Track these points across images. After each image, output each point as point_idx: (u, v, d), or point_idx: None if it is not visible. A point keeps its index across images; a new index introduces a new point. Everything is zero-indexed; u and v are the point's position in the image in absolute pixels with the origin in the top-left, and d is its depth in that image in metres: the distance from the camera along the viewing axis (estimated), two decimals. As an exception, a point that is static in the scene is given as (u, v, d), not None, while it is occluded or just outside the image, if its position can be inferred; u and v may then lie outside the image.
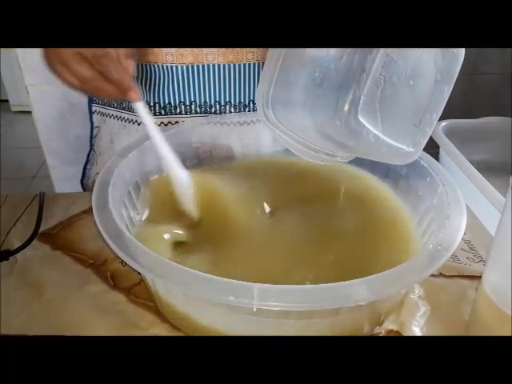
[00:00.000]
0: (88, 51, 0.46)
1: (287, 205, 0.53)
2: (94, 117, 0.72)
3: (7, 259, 0.52)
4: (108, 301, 0.47)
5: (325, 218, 0.52)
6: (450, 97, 0.43)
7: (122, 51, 0.47)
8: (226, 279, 0.35)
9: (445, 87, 0.42)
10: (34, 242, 0.55)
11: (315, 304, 0.35)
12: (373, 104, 0.39)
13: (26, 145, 2.17)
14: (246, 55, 0.61)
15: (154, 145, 0.49)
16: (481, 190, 0.88)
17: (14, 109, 2.55)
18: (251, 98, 0.65)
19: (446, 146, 1.06)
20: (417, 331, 0.45)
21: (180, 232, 0.48)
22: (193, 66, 0.61)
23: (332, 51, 0.40)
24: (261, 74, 0.47)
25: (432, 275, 0.49)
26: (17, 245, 0.54)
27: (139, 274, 0.48)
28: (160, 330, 0.44)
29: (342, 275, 0.39)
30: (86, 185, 0.77)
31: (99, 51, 0.46)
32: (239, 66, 0.62)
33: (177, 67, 0.61)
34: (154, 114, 0.64)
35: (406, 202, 0.54)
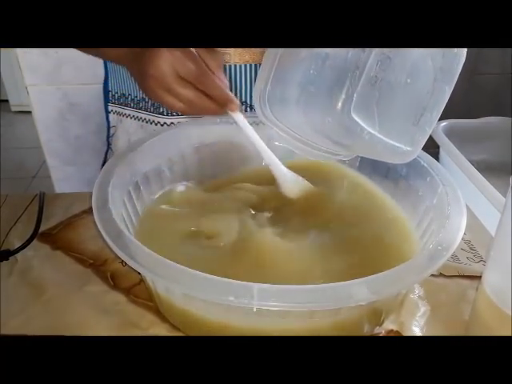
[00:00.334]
0: (189, 73, 0.46)
1: (286, 208, 0.53)
2: (111, 116, 0.72)
3: (7, 259, 0.52)
4: (108, 301, 0.47)
5: (325, 219, 0.52)
6: (450, 97, 0.43)
7: (214, 64, 0.48)
8: (225, 279, 0.35)
9: (445, 86, 0.42)
10: (34, 242, 0.55)
11: (315, 304, 0.35)
12: (368, 102, 0.39)
13: (25, 145, 2.17)
14: (262, 55, 0.61)
15: (263, 156, 0.51)
16: (481, 190, 0.88)
17: (13, 109, 2.55)
18: None
19: (446, 145, 1.06)
20: (417, 331, 0.45)
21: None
22: (245, 66, 0.60)
23: (327, 49, 0.40)
24: (258, 71, 0.46)
25: (432, 275, 0.49)
26: (17, 245, 0.54)
27: (139, 274, 0.48)
28: (160, 330, 0.44)
29: (341, 275, 0.39)
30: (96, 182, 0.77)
31: (198, 70, 0.46)
32: (255, 66, 0.62)
33: (230, 66, 0.61)
34: (171, 114, 0.64)
35: (405, 201, 0.54)
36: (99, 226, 0.40)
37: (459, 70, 0.41)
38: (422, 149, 0.48)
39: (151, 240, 0.44)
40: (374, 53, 0.38)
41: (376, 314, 0.43)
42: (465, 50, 0.41)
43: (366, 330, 0.44)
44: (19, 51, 1.09)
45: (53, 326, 0.44)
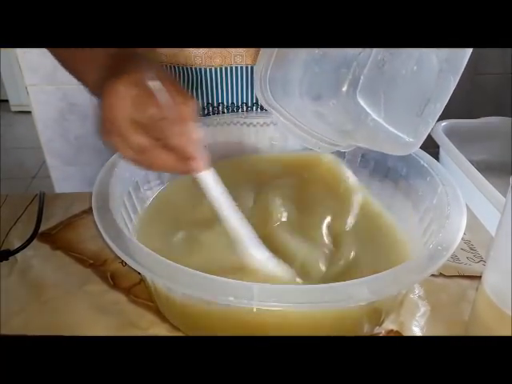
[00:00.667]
0: (144, 116, 0.38)
1: (286, 206, 0.53)
2: None
3: (7, 259, 0.52)
4: (108, 301, 0.47)
5: (324, 220, 0.51)
6: (450, 97, 0.43)
7: (187, 114, 0.40)
8: (225, 279, 0.35)
9: (451, 76, 0.40)
10: (34, 242, 0.55)
11: (315, 304, 0.35)
12: (374, 87, 0.37)
13: (25, 145, 2.17)
14: None
15: (225, 222, 0.43)
16: (481, 190, 0.88)
17: (13, 109, 2.55)
18: None
19: (446, 145, 1.06)
20: (417, 331, 0.45)
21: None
22: (221, 68, 0.61)
23: None
24: (258, 56, 0.45)
25: (432, 275, 0.49)
26: (17, 245, 0.54)
27: (139, 273, 0.48)
28: (160, 330, 0.44)
29: (342, 276, 0.39)
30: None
31: (157, 114, 0.38)
32: None
33: (205, 69, 0.61)
34: None
35: (405, 201, 0.54)
36: (99, 226, 0.40)
37: (465, 62, 0.40)
38: (422, 148, 0.48)
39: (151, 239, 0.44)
40: None
41: (376, 314, 0.43)
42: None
43: (365, 330, 0.44)
44: (19, 51, 1.09)
45: (52, 326, 0.44)
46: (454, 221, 0.43)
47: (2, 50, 2.14)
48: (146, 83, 0.38)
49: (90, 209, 0.43)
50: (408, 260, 0.46)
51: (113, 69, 0.41)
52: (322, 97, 0.39)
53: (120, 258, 0.38)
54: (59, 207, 0.62)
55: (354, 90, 0.37)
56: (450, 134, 1.11)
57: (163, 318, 0.45)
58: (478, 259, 0.54)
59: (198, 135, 0.40)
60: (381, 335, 0.44)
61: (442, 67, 0.39)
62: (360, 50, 0.36)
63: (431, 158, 0.52)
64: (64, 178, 1.29)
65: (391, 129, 0.40)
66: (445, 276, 0.51)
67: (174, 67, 0.62)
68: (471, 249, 0.56)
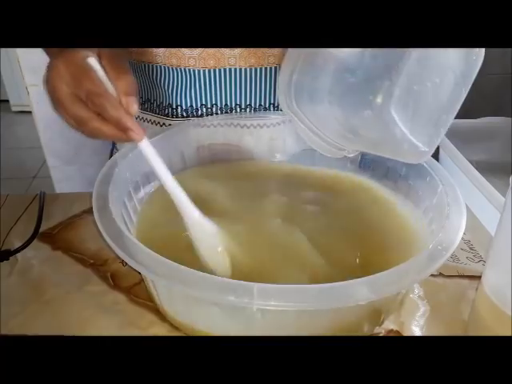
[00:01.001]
0: (82, 92, 0.43)
1: (290, 207, 0.53)
2: None
3: (7, 259, 0.52)
4: (108, 301, 0.47)
5: (325, 220, 0.52)
6: None
7: (123, 89, 0.44)
8: (225, 279, 0.35)
9: (463, 89, 0.41)
10: (35, 242, 0.55)
11: (315, 304, 0.35)
12: (404, 99, 0.38)
13: (25, 145, 2.17)
14: (268, 59, 0.61)
15: (164, 185, 0.46)
16: (481, 190, 0.88)
17: (14, 109, 2.55)
18: (272, 102, 0.65)
19: (446, 145, 1.06)
20: (417, 331, 0.45)
21: None
22: (215, 70, 0.61)
23: None
24: (282, 62, 0.45)
25: (432, 275, 0.49)
26: (17, 245, 0.54)
27: (139, 273, 0.48)
28: (160, 330, 0.44)
29: (342, 275, 0.39)
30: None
31: (94, 90, 0.42)
32: (260, 69, 0.62)
33: (199, 71, 0.61)
34: (176, 117, 0.64)
35: (405, 201, 0.54)
36: (99, 226, 0.40)
37: (475, 74, 0.40)
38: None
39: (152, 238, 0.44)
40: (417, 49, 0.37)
41: (376, 314, 0.43)
42: (483, 54, 0.40)
43: (366, 330, 0.44)
44: (19, 51, 1.09)
45: (53, 326, 0.44)
46: (454, 221, 0.43)
47: (2, 50, 2.14)
48: (84, 61, 0.43)
49: (90, 209, 0.43)
50: (408, 260, 0.46)
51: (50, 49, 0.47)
52: (356, 107, 0.39)
53: (120, 258, 0.38)
54: (59, 207, 0.62)
55: (387, 102, 0.37)
56: (449, 134, 1.11)
57: (163, 318, 0.45)
58: (478, 259, 0.54)
59: (133, 108, 0.44)
60: (381, 335, 0.44)
61: (457, 80, 0.40)
62: (397, 61, 0.37)
63: (431, 158, 0.52)
64: (64, 178, 1.29)
65: (413, 139, 0.41)
66: (445, 276, 0.51)
67: (168, 68, 0.62)
68: (471, 249, 0.56)
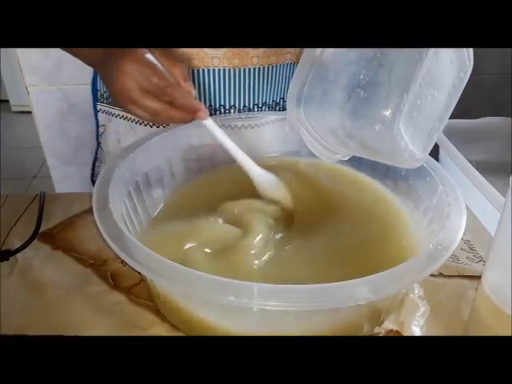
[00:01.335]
0: (153, 86, 0.47)
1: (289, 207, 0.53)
2: (100, 115, 0.72)
3: (7, 259, 0.52)
4: (108, 301, 0.47)
5: (324, 220, 0.52)
6: None
7: (180, 75, 0.49)
8: (225, 279, 0.35)
9: (454, 99, 0.43)
10: (35, 242, 0.55)
11: (315, 304, 0.35)
12: (409, 112, 0.40)
13: (25, 145, 2.17)
14: (251, 60, 0.61)
15: (236, 158, 0.52)
16: (481, 190, 0.88)
17: (14, 109, 2.55)
18: (256, 102, 0.65)
19: (446, 145, 1.06)
20: (417, 331, 0.45)
21: None
22: (198, 70, 0.61)
23: (379, 54, 0.40)
24: (294, 72, 0.46)
25: (432, 275, 0.49)
26: (17, 245, 0.54)
27: (139, 273, 0.48)
28: (160, 330, 0.44)
29: (342, 275, 0.39)
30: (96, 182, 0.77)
31: (162, 83, 0.47)
32: (244, 70, 0.62)
33: (219, 70, 0.61)
34: None
35: (405, 201, 0.54)
36: (99, 226, 0.40)
37: (463, 87, 0.43)
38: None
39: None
40: (428, 64, 0.39)
41: (376, 314, 0.43)
42: (471, 66, 0.42)
43: (365, 330, 0.44)
44: (19, 51, 1.09)
45: (53, 326, 0.44)
46: (454, 221, 0.43)
47: (2, 50, 2.14)
48: (143, 57, 0.47)
49: (90, 209, 0.43)
50: (408, 260, 0.46)
51: (110, 50, 0.49)
52: (367, 120, 0.41)
53: (120, 258, 0.38)
54: (59, 207, 0.62)
55: (397, 117, 0.39)
56: (449, 134, 1.11)
57: (163, 318, 0.45)
58: (478, 259, 0.54)
59: (193, 91, 0.51)
60: (381, 335, 0.44)
61: (449, 91, 0.43)
62: (405, 79, 0.39)
63: (431, 157, 0.52)
64: (64, 178, 1.29)
65: (413, 149, 0.43)
66: (445, 276, 0.51)
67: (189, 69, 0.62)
68: (471, 249, 0.56)
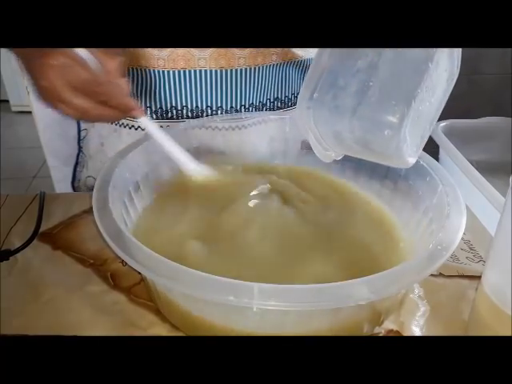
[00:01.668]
0: (82, 82, 0.44)
1: (287, 208, 0.53)
2: None
3: (7, 259, 0.52)
4: (108, 301, 0.47)
5: (323, 220, 0.52)
6: (449, 97, 0.45)
7: (115, 71, 0.45)
8: (225, 279, 0.35)
9: (443, 103, 0.45)
10: (35, 241, 0.55)
11: (315, 304, 0.35)
12: (413, 117, 0.41)
13: (25, 145, 2.17)
14: (238, 61, 0.61)
15: (167, 153, 0.51)
16: (481, 190, 0.88)
17: (14, 109, 2.56)
18: (242, 103, 0.65)
19: (446, 145, 1.07)
20: (417, 331, 0.45)
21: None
22: (184, 71, 0.60)
23: (388, 61, 0.41)
24: (304, 80, 0.47)
25: (432, 275, 0.49)
26: (17, 245, 0.54)
27: (139, 273, 0.48)
28: (160, 330, 0.44)
29: (342, 276, 0.39)
30: (77, 187, 0.77)
31: (92, 79, 0.44)
32: (231, 71, 0.62)
33: (168, 72, 0.61)
34: None
35: (405, 202, 0.54)
36: (99, 226, 0.40)
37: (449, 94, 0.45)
38: (422, 149, 0.49)
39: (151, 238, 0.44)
40: (429, 74, 0.40)
41: (376, 314, 0.43)
42: (456, 77, 0.44)
43: (365, 330, 0.44)
44: (19, 51, 1.09)
45: (53, 326, 0.44)
46: (454, 221, 0.43)
47: (2, 50, 2.14)
48: (73, 51, 0.43)
49: (90, 209, 0.43)
50: (408, 260, 0.46)
51: None
52: (376, 126, 0.42)
53: (120, 258, 0.38)
54: (59, 207, 0.62)
55: (405, 123, 0.40)
56: (449, 134, 1.11)
57: (163, 318, 0.45)
58: (478, 259, 0.54)
59: (128, 88, 0.47)
60: (381, 335, 0.44)
61: (441, 97, 0.44)
62: (413, 86, 0.40)
63: (431, 158, 0.52)
64: (64, 178, 1.29)
65: (410, 151, 0.44)
66: (445, 276, 0.51)
67: (136, 69, 0.61)
68: (471, 249, 0.56)
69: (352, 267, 0.45)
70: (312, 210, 0.52)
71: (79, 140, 0.73)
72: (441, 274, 0.52)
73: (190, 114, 0.64)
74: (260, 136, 0.62)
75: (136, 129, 0.65)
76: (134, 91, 0.63)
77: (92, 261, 0.53)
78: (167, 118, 0.64)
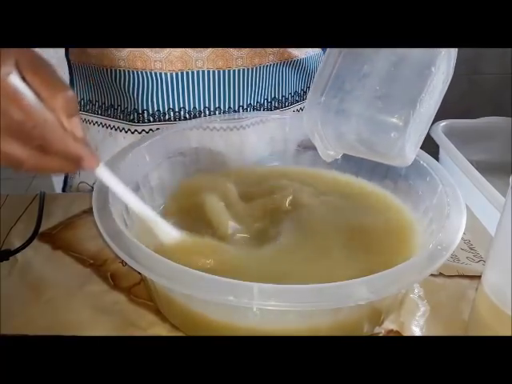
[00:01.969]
0: (16, 127, 0.33)
1: (286, 208, 0.53)
2: None
3: (7, 259, 0.52)
4: (108, 301, 0.47)
5: (324, 220, 0.52)
6: (449, 97, 0.47)
7: (61, 109, 0.35)
8: (225, 279, 0.35)
9: (439, 103, 0.46)
10: (34, 241, 0.55)
11: (315, 304, 0.35)
12: (416, 119, 0.42)
13: (26, 145, 2.17)
14: (235, 61, 0.61)
15: (132, 208, 0.44)
16: (481, 190, 0.88)
17: (14, 109, 2.55)
18: (240, 104, 0.65)
19: (446, 145, 1.07)
20: (417, 331, 0.45)
21: None
22: (182, 73, 0.60)
23: (392, 65, 0.42)
24: (312, 83, 0.47)
25: (432, 275, 0.49)
26: (17, 245, 0.54)
27: (139, 273, 0.48)
28: (160, 330, 0.44)
29: (342, 275, 0.39)
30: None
31: (27, 119, 0.33)
32: (228, 72, 0.62)
33: (166, 74, 0.60)
34: (142, 122, 0.64)
35: (405, 201, 0.54)
36: (99, 226, 0.40)
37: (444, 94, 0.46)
38: (422, 148, 0.49)
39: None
40: (436, 75, 0.42)
41: (376, 314, 0.43)
42: (450, 79, 0.45)
43: (365, 330, 0.44)
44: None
45: (53, 326, 0.44)
46: (454, 221, 0.43)
47: None
48: (6, 83, 0.33)
49: (90, 209, 0.43)
50: (407, 260, 0.46)
51: None
52: (382, 128, 0.43)
53: (120, 258, 0.38)
54: (59, 207, 0.62)
55: (410, 126, 0.41)
56: (449, 134, 1.11)
57: (163, 318, 0.45)
58: (478, 259, 0.54)
59: (78, 131, 0.36)
60: (381, 335, 0.44)
61: (437, 99, 0.45)
62: (418, 90, 0.41)
63: (431, 157, 0.52)
64: (64, 178, 1.29)
65: (411, 151, 0.45)
66: (445, 276, 0.51)
67: (133, 72, 0.61)
68: (471, 249, 0.56)
69: (351, 267, 0.45)
70: (332, 209, 0.53)
71: None
72: (441, 274, 0.52)
73: (187, 116, 0.64)
74: (259, 136, 0.62)
75: (132, 132, 0.65)
76: (132, 94, 0.63)
77: (92, 261, 0.53)
78: (165, 120, 0.64)
